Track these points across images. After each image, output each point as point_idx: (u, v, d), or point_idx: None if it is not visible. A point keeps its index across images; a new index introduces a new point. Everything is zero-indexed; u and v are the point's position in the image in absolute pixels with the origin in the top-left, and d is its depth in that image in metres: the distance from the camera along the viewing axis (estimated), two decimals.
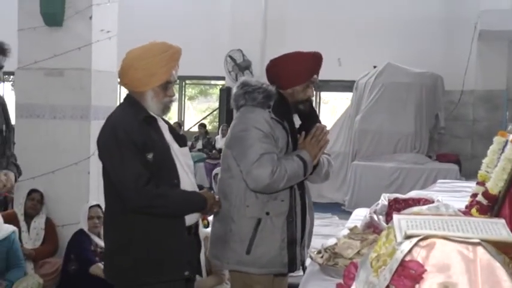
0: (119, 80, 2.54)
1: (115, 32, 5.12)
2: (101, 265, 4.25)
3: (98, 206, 4.54)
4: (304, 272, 2.80)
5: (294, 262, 2.69)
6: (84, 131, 4.85)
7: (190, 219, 2.54)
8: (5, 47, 2.82)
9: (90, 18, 4.81)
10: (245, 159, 2.54)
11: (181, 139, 2.67)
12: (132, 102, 2.50)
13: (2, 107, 3.02)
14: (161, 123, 2.58)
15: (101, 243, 4.45)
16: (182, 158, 2.56)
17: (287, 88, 2.74)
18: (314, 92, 2.82)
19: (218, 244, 2.73)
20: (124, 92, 2.66)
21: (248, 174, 2.52)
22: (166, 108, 2.55)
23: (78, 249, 4.38)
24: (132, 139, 2.36)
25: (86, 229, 4.44)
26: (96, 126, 4.92)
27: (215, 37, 11.26)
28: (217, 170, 6.41)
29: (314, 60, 2.79)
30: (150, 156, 2.39)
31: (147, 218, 2.41)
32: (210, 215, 2.74)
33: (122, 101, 2.61)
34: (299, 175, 2.61)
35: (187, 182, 2.54)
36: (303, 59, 2.76)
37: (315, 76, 2.78)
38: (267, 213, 2.61)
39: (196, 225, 2.65)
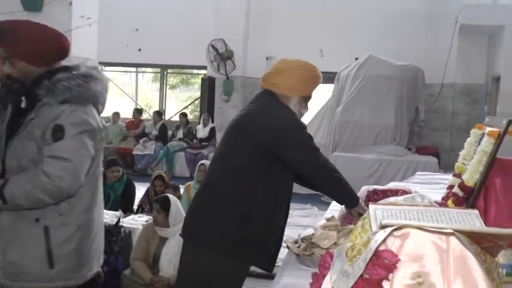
0: (263, 81, 2.75)
1: (96, 19, 5.06)
2: None
3: None
4: None
5: None
6: None
7: None
8: None
9: (70, 4, 4.75)
10: None
11: None
12: (279, 101, 2.69)
13: None
14: None
15: None
16: None
17: None
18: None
19: None
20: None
21: None
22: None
23: None
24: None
25: None
26: None
27: (198, 26, 11.19)
28: (203, 161, 6.37)
29: None
30: None
31: (269, 198, 2.61)
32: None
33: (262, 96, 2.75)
34: None
35: None
36: None
37: None
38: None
39: None
